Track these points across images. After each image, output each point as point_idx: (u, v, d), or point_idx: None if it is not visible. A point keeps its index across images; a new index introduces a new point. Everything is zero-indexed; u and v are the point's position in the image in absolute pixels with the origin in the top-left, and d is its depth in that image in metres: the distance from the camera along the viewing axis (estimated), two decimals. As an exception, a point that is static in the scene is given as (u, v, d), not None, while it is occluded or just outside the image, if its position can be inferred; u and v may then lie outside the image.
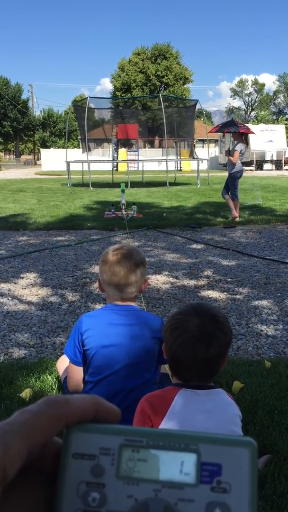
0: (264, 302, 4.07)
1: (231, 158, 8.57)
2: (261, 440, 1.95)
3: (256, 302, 4.07)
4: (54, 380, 2.55)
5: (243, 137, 8.69)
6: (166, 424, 1.40)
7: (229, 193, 8.83)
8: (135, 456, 0.35)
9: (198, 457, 0.34)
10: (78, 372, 2.11)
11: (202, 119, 39.59)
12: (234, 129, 8.81)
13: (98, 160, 20.70)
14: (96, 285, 2.17)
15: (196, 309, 1.46)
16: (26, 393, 2.40)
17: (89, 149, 19.45)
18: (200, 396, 1.43)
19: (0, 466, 0.30)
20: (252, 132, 8.97)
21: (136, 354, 2.01)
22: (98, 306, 3.91)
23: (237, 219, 8.64)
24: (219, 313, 1.49)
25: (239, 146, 8.54)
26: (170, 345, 1.45)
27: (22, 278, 4.89)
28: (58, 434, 0.35)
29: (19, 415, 0.33)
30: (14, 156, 67.46)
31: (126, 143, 25.74)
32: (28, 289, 4.49)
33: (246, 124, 11.51)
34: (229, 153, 8.69)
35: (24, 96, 61.07)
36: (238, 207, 8.85)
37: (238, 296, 4.24)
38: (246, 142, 8.78)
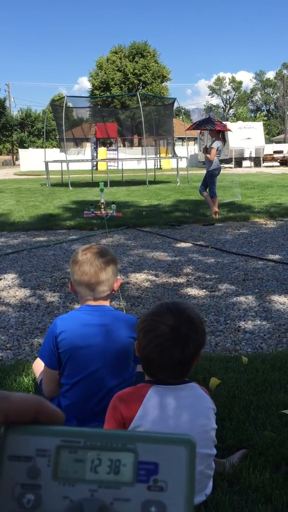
0: (242, 298, 4.10)
1: (208, 155, 8.61)
2: (237, 436, 1.96)
3: (235, 299, 4.10)
4: (31, 382, 2.53)
5: (220, 134, 8.74)
6: (138, 420, 1.40)
7: (207, 190, 8.87)
8: (72, 456, 0.35)
9: (136, 456, 0.34)
10: (53, 376, 2.10)
11: (180, 117, 39.74)
12: (210, 126, 8.85)
13: (77, 160, 20.58)
14: (69, 285, 2.16)
15: (171, 310, 1.44)
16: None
17: (68, 148, 19.33)
18: (172, 391, 1.43)
19: None
20: (229, 130, 9.04)
21: (112, 355, 2.00)
22: (77, 306, 3.88)
23: (217, 215, 8.69)
24: (194, 313, 1.47)
25: (216, 144, 8.59)
26: (144, 346, 1.43)
27: (0, 279, 4.84)
28: None
29: None
30: (-8, 157, 66.65)
31: (105, 142, 25.68)
32: (6, 291, 4.45)
33: (224, 122, 11.58)
34: (206, 150, 8.73)
35: (0, 96, 60.46)
36: (217, 204, 8.90)
37: (217, 293, 4.27)
38: (224, 139, 8.83)
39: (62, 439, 0.35)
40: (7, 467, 0.35)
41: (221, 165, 9.05)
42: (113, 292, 2.15)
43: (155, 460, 0.34)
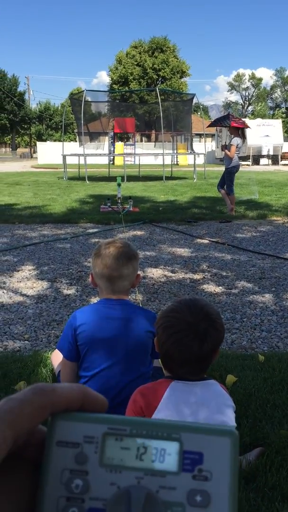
0: (259, 297, 4.08)
1: (227, 152, 8.56)
2: (254, 433, 1.96)
3: (251, 297, 4.09)
4: (49, 373, 2.56)
5: (239, 131, 8.68)
6: (157, 416, 1.41)
7: (225, 187, 8.83)
8: (118, 444, 0.35)
9: (180, 445, 0.35)
10: (71, 368, 2.11)
11: (199, 113, 39.56)
12: (226, 123, 8.83)
13: (95, 154, 20.61)
14: (90, 278, 2.17)
15: (189, 306, 1.46)
16: (20, 386, 2.41)
17: (86, 142, 19.37)
18: (191, 387, 1.44)
19: None
20: (247, 127, 8.97)
21: (130, 348, 2.02)
22: (94, 300, 3.91)
23: (233, 213, 8.65)
24: (213, 309, 1.49)
25: (235, 141, 8.53)
26: (164, 342, 1.45)
27: (18, 271, 4.89)
28: (43, 422, 0.35)
29: (5, 403, 0.33)
30: (10, 149, 67.17)
31: (123, 136, 25.68)
32: (23, 282, 4.49)
33: (243, 119, 11.51)
34: (226, 147, 8.68)
35: (20, 89, 60.74)
36: (234, 201, 8.85)
37: (233, 290, 4.25)
38: (243, 136, 8.77)
39: (109, 426, 0.36)
40: (56, 453, 0.35)
41: (240, 162, 8.99)
42: (133, 288, 2.16)
43: (199, 450, 0.35)
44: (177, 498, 0.34)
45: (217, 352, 1.48)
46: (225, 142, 9.00)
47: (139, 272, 2.16)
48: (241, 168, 9.33)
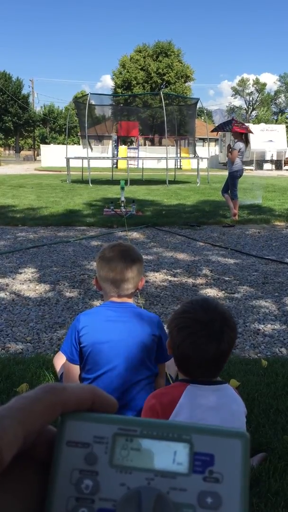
0: (262, 302, 4.08)
1: (229, 155, 8.59)
2: (257, 438, 1.95)
3: (254, 301, 4.08)
4: (51, 375, 2.56)
5: (243, 136, 8.69)
6: (173, 419, 1.40)
7: (229, 192, 8.83)
8: (129, 445, 0.35)
9: (191, 447, 0.35)
10: (74, 371, 2.11)
11: (202, 117, 39.59)
12: (228, 128, 8.87)
13: (98, 157, 20.67)
14: (94, 281, 2.17)
15: (202, 306, 1.46)
16: (22, 388, 2.41)
17: (90, 146, 19.41)
18: (207, 392, 1.43)
19: None
20: (250, 132, 8.99)
21: (133, 350, 2.01)
22: (96, 303, 3.91)
23: (236, 217, 8.65)
24: (225, 309, 1.49)
25: (238, 145, 8.54)
26: (179, 344, 1.43)
27: (20, 273, 4.89)
28: (53, 421, 0.35)
29: (16, 401, 0.33)
30: (14, 152, 67.37)
31: (126, 140, 25.73)
32: (26, 285, 4.49)
33: (247, 124, 11.51)
34: (229, 149, 8.70)
35: (24, 92, 60.97)
36: (237, 206, 8.85)
37: (236, 295, 4.24)
38: (246, 141, 8.77)
39: (119, 427, 0.36)
40: (66, 453, 0.35)
41: (243, 167, 8.99)
42: (137, 291, 2.15)
43: (210, 451, 0.34)
44: (188, 500, 0.33)
45: (230, 352, 1.48)
46: (229, 144, 9.00)
47: (143, 276, 2.16)
48: (244, 173, 9.34)
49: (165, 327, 2.07)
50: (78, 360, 2.06)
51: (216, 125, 10.89)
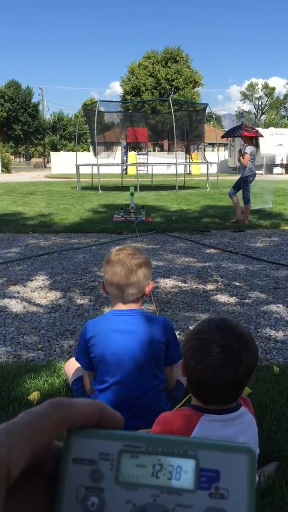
0: (273, 307, 4.05)
1: (241, 159, 8.59)
2: (269, 446, 1.94)
3: (265, 307, 4.05)
4: (62, 383, 2.56)
5: (253, 140, 8.68)
6: None
7: (242, 196, 8.80)
8: (134, 461, 0.35)
9: (197, 463, 0.35)
10: (91, 377, 2.12)
11: (211, 122, 39.61)
12: (238, 133, 8.89)
13: (108, 164, 20.74)
14: (102, 286, 2.16)
15: (220, 327, 1.34)
16: (34, 396, 2.41)
17: (99, 152, 19.50)
18: (223, 423, 1.35)
19: (4, 466, 0.30)
20: (260, 135, 8.97)
21: (141, 360, 2.00)
22: (107, 309, 3.91)
23: (246, 222, 8.62)
24: (245, 329, 1.38)
25: (249, 149, 8.54)
26: (194, 367, 1.33)
27: (31, 280, 4.92)
28: (60, 436, 0.35)
29: (23, 416, 0.33)
30: (24, 159, 67.92)
31: (135, 146, 25.80)
32: (37, 292, 4.51)
33: (256, 128, 11.47)
34: (241, 153, 8.70)
35: (34, 100, 61.51)
36: (249, 211, 8.82)
37: (247, 301, 4.22)
38: (257, 145, 8.76)
39: (124, 443, 0.35)
40: (71, 470, 0.35)
41: (255, 171, 8.96)
42: (145, 296, 2.12)
43: (216, 467, 0.34)
44: None
45: (251, 377, 1.36)
46: (241, 149, 8.99)
47: (151, 281, 2.12)
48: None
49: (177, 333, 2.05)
50: (93, 367, 2.07)
51: (226, 130, 10.92)
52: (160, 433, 1.41)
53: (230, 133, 9.75)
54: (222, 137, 10.69)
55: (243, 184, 8.76)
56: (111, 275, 2.02)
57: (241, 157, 8.62)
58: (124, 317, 2.03)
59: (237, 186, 8.91)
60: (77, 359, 2.16)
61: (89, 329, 2.05)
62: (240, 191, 8.87)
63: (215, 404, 1.36)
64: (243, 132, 8.73)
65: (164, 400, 2.08)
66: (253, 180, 8.79)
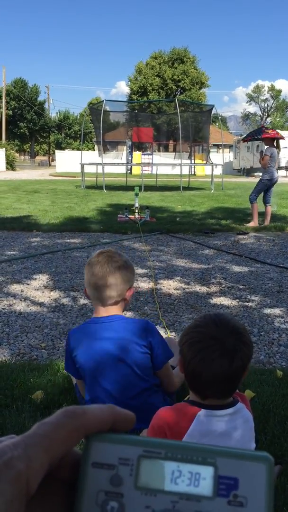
0: (277, 310, 4.05)
1: (261, 161, 8.62)
2: (272, 450, 1.94)
3: (269, 310, 4.05)
4: (65, 382, 2.56)
5: (274, 142, 8.69)
6: None
7: (263, 199, 8.82)
8: (153, 467, 0.36)
9: (216, 470, 0.35)
10: (83, 385, 2.14)
11: (217, 124, 39.55)
12: (258, 136, 8.92)
13: (113, 163, 20.74)
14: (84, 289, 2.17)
15: (215, 321, 1.38)
16: (37, 395, 2.42)
17: (105, 151, 19.51)
18: (220, 418, 1.36)
19: (23, 480, 0.30)
20: (282, 137, 8.94)
21: (123, 366, 2.00)
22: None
23: (256, 224, 8.63)
24: (239, 324, 1.42)
25: (269, 150, 8.55)
26: (190, 360, 1.36)
27: (35, 279, 4.92)
28: (76, 445, 0.35)
29: (39, 427, 0.33)
30: (29, 157, 68.00)
31: (140, 146, 25.82)
32: (40, 291, 4.52)
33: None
34: (261, 154, 8.71)
35: (40, 98, 61.62)
36: (270, 213, 8.82)
37: (250, 304, 4.22)
38: (278, 146, 8.77)
39: (144, 449, 0.36)
40: (91, 474, 0.35)
41: (277, 175, 8.92)
42: (126, 302, 2.09)
43: (235, 475, 0.35)
44: None
45: (246, 370, 1.39)
46: (262, 150, 8.99)
47: (132, 287, 2.09)
48: (256, 179, 9.29)
49: (176, 340, 2.06)
50: (81, 376, 2.09)
51: (231, 132, 10.95)
52: (156, 427, 1.44)
53: (251, 136, 9.78)
54: (243, 140, 10.73)
55: (259, 185, 8.75)
56: (89, 276, 2.03)
57: (261, 159, 8.63)
58: (103, 325, 2.03)
59: (256, 191, 8.88)
60: (66, 369, 2.18)
61: (71, 339, 2.07)
62: (261, 195, 8.88)
63: (211, 398, 1.38)
64: (263, 134, 8.74)
65: (160, 400, 2.07)
66: (273, 183, 8.76)
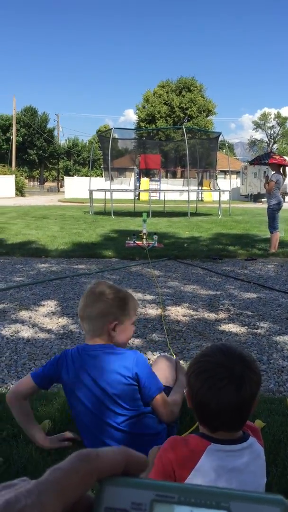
0: (286, 338, 4.01)
1: (266, 186, 8.67)
2: (283, 483, 1.89)
3: (278, 337, 4.01)
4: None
5: (281, 168, 8.75)
6: (191, 481, 1.29)
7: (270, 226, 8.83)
8: (167, 511, 0.35)
9: None
10: (28, 385, 2.17)
11: (224, 150, 39.94)
12: (265, 160, 8.99)
13: (121, 189, 20.95)
14: None
15: (222, 350, 1.37)
16: (45, 425, 2.39)
17: (112, 178, 19.72)
18: (231, 453, 1.33)
19: None
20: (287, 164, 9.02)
21: (107, 396, 1.99)
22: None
23: (274, 250, 8.60)
24: (246, 352, 1.41)
25: (275, 177, 8.61)
26: (197, 390, 1.33)
27: (43, 305, 4.93)
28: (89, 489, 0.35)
29: (51, 473, 0.33)
30: (38, 183, 68.77)
31: (148, 172, 26.09)
32: (48, 317, 4.51)
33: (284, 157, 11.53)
34: (267, 180, 8.77)
35: (50, 125, 62.71)
36: (276, 239, 8.79)
37: (259, 331, 4.19)
38: (284, 173, 8.83)
39: (157, 493, 0.36)
40: None
41: (282, 200, 8.95)
42: (110, 336, 2.04)
43: None
44: None
45: (256, 401, 1.36)
46: (267, 176, 9.05)
47: (117, 322, 2.04)
48: (264, 205, 9.34)
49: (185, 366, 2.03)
50: (45, 387, 2.13)
51: (238, 158, 11.10)
52: (164, 458, 1.39)
53: (258, 160, 9.89)
54: (250, 163, 10.87)
55: (270, 213, 8.80)
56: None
57: (266, 184, 8.69)
58: (89, 353, 2.02)
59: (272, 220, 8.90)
60: (33, 375, 2.11)
61: (62, 360, 2.08)
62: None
63: (221, 430, 1.35)
64: (270, 160, 8.81)
65: (150, 424, 2.04)
66: (280, 208, 8.81)
